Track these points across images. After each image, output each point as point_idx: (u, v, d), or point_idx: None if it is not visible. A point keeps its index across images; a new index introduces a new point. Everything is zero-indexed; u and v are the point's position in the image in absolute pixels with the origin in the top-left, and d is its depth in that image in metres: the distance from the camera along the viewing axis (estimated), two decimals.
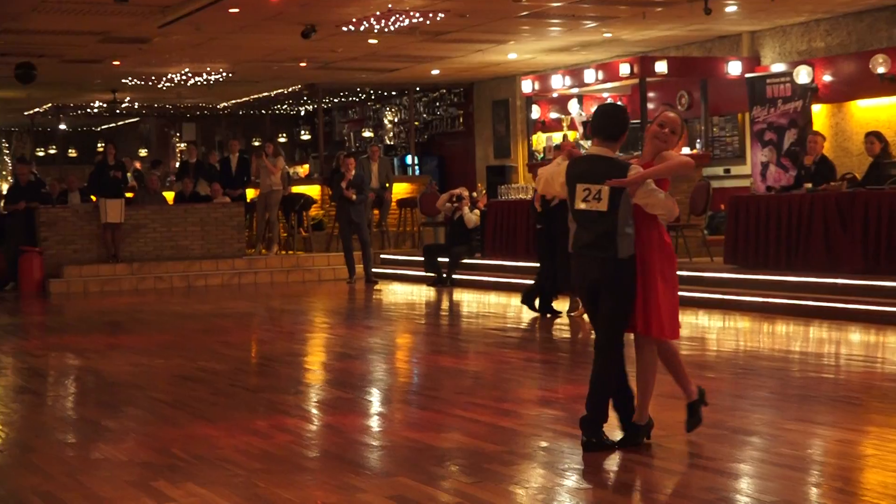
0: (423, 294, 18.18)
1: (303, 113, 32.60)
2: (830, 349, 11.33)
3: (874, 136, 14.79)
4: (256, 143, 31.18)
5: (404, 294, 18.43)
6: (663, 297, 6.80)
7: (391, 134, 29.31)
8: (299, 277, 21.20)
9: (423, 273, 19.61)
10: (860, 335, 11.94)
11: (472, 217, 19.27)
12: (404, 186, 24.73)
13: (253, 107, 30.85)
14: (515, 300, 14.82)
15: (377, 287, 19.26)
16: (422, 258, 19.61)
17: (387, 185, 23.05)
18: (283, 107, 31.43)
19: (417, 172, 26.66)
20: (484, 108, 26.16)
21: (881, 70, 16.97)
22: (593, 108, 20.20)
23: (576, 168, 6.93)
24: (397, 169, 26.89)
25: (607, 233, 6.74)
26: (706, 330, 12.72)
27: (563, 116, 21.59)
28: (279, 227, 22.44)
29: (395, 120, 29.24)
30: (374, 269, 20.02)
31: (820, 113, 18.00)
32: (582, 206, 6.83)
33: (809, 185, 14.61)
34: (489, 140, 25.88)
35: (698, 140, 19.19)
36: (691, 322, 13.30)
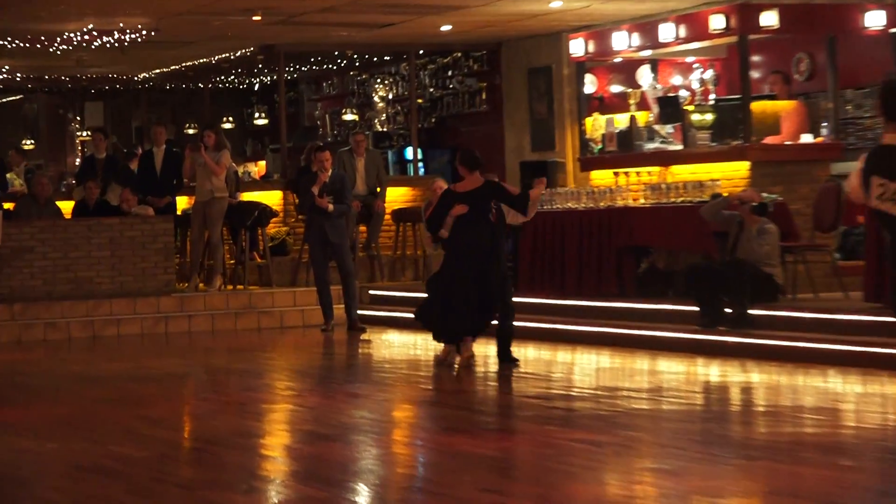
0: (429, 346, 18.13)
1: (257, 87, 32.66)
2: None
3: None
4: (191, 131, 31.22)
5: (403, 346, 18.38)
6: None
7: (384, 117, 29.34)
8: (253, 323, 21.17)
9: None
10: None
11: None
12: (403, 192, 24.73)
13: (186, 79, 30.89)
14: (564, 354, 14.81)
15: (364, 336, 19.24)
16: (427, 295, 19.56)
17: (378, 189, 23.06)
18: (230, 79, 31.47)
19: (422, 172, 26.65)
20: (517, 79, 26.17)
21: None
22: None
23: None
24: (393, 167, 26.91)
25: None
26: (840, 397, 12.65)
27: (629, 90, 21.56)
28: (224, 251, 22.43)
29: (390, 97, 29.28)
30: (360, 311, 20.00)
31: None
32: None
33: None
34: (524, 125, 25.88)
35: (824, 123, 19.13)
36: (817, 385, 13.25)
